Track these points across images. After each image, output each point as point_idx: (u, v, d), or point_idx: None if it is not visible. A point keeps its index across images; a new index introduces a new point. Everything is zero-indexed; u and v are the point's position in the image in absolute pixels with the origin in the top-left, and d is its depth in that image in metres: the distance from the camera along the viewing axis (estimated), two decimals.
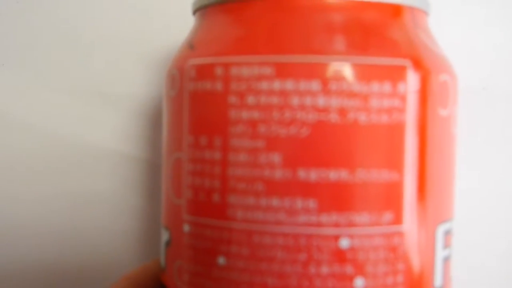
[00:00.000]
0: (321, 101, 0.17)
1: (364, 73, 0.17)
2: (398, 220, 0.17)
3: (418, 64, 0.17)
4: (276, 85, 0.17)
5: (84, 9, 0.29)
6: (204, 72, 0.18)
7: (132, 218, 0.29)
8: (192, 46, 0.19)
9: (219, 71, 0.18)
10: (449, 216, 0.19)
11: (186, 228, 0.18)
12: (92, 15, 0.29)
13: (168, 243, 0.20)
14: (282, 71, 0.17)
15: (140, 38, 0.28)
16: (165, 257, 0.20)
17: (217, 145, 0.18)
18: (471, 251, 0.27)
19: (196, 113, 0.18)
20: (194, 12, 0.21)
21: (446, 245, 0.19)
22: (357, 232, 0.17)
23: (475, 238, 0.27)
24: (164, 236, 0.20)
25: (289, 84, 0.17)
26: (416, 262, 0.18)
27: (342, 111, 0.17)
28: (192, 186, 0.18)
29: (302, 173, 0.17)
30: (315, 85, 0.17)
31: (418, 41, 0.18)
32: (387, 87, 0.17)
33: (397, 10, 0.18)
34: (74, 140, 0.29)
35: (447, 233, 0.19)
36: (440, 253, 0.19)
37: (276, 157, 0.17)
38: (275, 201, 0.17)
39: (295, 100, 0.17)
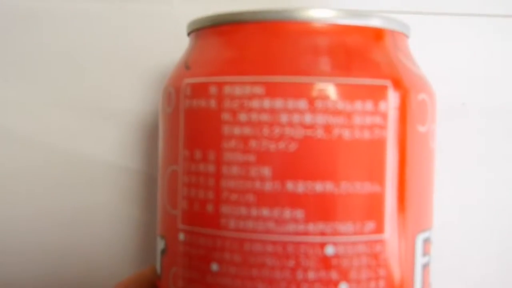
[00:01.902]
0: (308, 118, 0.18)
1: (348, 93, 0.18)
2: (379, 229, 0.19)
3: (398, 84, 0.19)
4: (266, 103, 0.18)
5: (83, 27, 0.30)
6: (199, 90, 0.19)
7: (129, 228, 0.30)
8: (187, 66, 0.20)
9: (213, 90, 0.19)
10: (428, 225, 0.21)
11: (181, 236, 0.20)
12: (91, 33, 0.30)
13: (164, 251, 0.21)
14: (272, 90, 0.18)
15: (137, 56, 0.29)
16: (161, 265, 0.21)
17: (211, 158, 0.19)
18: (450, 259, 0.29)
19: (191, 129, 0.19)
20: (189, 33, 0.22)
21: (425, 252, 0.20)
22: (342, 240, 0.18)
23: (453, 246, 0.29)
24: (160, 244, 0.21)
25: (278, 103, 0.18)
26: (397, 268, 0.19)
27: (327, 128, 0.18)
28: (187, 197, 0.19)
29: (290, 185, 0.18)
30: (302, 103, 0.18)
31: (398, 63, 0.20)
32: (369, 105, 0.18)
33: (379, 34, 0.20)
34: (72, 153, 0.30)
35: (426, 241, 0.20)
36: (419, 260, 0.20)
37: (266, 171, 0.18)
38: (265, 211, 0.18)
39: (284, 118, 0.18)
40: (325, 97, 0.18)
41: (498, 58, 0.29)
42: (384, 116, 0.19)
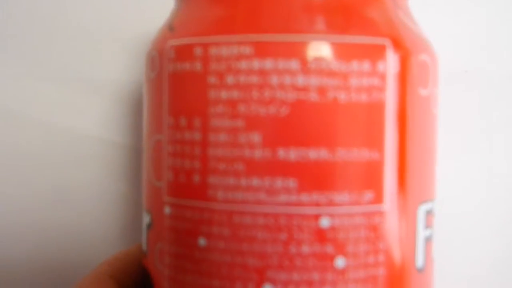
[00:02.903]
0: (300, 80, 0.17)
1: (344, 52, 0.17)
2: (378, 199, 0.17)
3: (397, 44, 0.17)
4: (255, 64, 0.17)
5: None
6: (183, 52, 0.18)
7: (116, 205, 0.29)
8: (172, 27, 0.19)
9: (198, 51, 0.17)
10: (430, 196, 0.19)
11: (167, 210, 0.18)
12: (71, 3, 0.29)
13: (149, 226, 0.19)
14: (261, 50, 0.17)
15: (120, 24, 0.28)
16: (147, 241, 0.20)
17: (197, 125, 0.17)
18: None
19: (176, 94, 0.18)
20: None
21: (428, 225, 0.19)
22: (338, 211, 0.17)
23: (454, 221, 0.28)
24: (146, 219, 0.20)
25: (268, 63, 0.17)
26: (397, 241, 0.18)
27: (321, 90, 0.17)
28: (172, 167, 0.18)
29: (282, 153, 0.17)
30: (294, 64, 0.17)
31: (398, 21, 0.18)
32: (366, 66, 0.17)
33: None
34: (54, 128, 0.29)
35: (429, 213, 0.19)
36: (421, 233, 0.19)
37: (256, 137, 0.17)
38: (255, 181, 0.17)
39: (274, 79, 0.17)
40: (318, 57, 0.17)
41: (502, 24, 0.28)
42: (383, 77, 0.17)
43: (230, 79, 0.17)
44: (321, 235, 0.17)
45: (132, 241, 0.28)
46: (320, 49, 0.17)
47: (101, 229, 0.28)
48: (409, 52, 0.18)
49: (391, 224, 0.17)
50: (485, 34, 0.28)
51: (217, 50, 0.17)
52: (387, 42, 0.17)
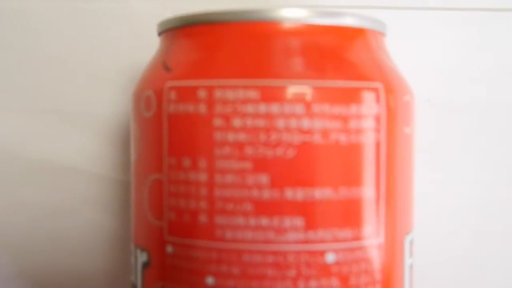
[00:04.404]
0: (305, 123, 0.17)
1: (344, 97, 0.18)
2: (377, 233, 0.18)
3: (388, 86, 0.19)
4: (262, 108, 0.17)
5: (47, 28, 0.28)
6: (186, 94, 0.18)
7: (91, 233, 0.29)
8: (167, 67, 0.19)
9: (202, 94, 0.18)
10: (412, 226, 0.21)
11: (169, 249, 0.19)
12: (49, 33, 0.28)
13: (146, 265, 0.19)
14: (268, 94, 0.17)
15: (96, 56, 0.28)
16: (143, 279, 0.20)
17: (202, 166, 0.18)
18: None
19: (178, 135, 0.18)
20: (161, 32, 0.21)
21: (411, 253, 0.20)
22: (341, 246, 0.18)
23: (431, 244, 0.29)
24: (141, 257, 0.20)
25: (274, 108, 0.17)
26: (391, 271, 0.19)
27: (324, 133, 0.18)
28: (175, 207, 0.18)
29: (289, 193, 0.17)
30: (299, 108, 0.17)
31: (384, 64, 0.20)
32: (364, 109, 0.18)
33: (363, 34, 0.19)
34: (36, 157, 0.29)
35: (411, 242, 0.20)
36: (407, 261, 0.20)
37: (263, 178, 0.17)
38: (264, 221, 0.17)
39: (280, 123, 0.17)
40: (321, 101, 0.18)
41: (462, 52, 0.29)
42: (378, 119, 0.18)
43: (236, 122, 0.18)
44: (327, 270, 0.18)
45: (106, 268, 0.28)
46: (323, 94, 0.18)
47: (77, 256, 0.29)
48: (396, 94, 0.19)
49: (387, 255, 0.19)
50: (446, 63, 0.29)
51: (223, 93, 0.18)
52: (379, 86, 0.18)
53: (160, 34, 0.21)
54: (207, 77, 0.18)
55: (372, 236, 0.18)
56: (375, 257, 0.18)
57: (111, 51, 0.28)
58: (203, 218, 0.18)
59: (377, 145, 0.18)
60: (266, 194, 0.17)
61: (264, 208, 0.18)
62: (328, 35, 0.19)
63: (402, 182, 0.19)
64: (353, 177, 0.18)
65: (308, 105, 0.17)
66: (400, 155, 0.19)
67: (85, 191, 0.29)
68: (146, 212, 0.19)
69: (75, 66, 0.28)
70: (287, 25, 0.18)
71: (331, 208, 0.18)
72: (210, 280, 0.18)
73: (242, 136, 0.18)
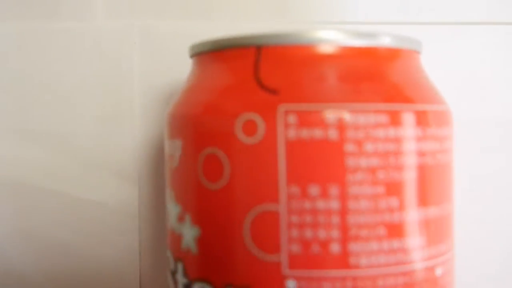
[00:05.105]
0: (423, 146, 0.18)
1: (441, 120, 0.19)
2: (451, 245, 0.20)
3: (448, 108, 0.20)
4: (391, 132, 0.17)
5: (12, 49, 0.28)
6: (309, 119, 0.17)
7: (58, 255, 0.28)
8: (273, 90, 0.18)
9: (331, 118, 0.17)
10: None
11: (290, 284, 0.17)
12: (19, 55, 0.28)
13: None
14: (395, 118, 0.18)
15: (60, 76, 0.27)
16: None
17: (334, 194, 0.17)
18: None
19: (300, 162, 0.17)
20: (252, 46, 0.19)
21: None
22: (443, 259, 0.19)
23: None
24: None
25: (401, 131, 0.18)
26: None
27: (433, 154, 0.18)
28: (299, 239, 0.17)
29: (414, 214, 0.18)
30: (419, 131, 0.18)
31: (434, 85, 0.21)
32: (448, 130, 0.19)
33: (415, 57, 0.21)
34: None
35: None
36: None
37: (394, 201, 0.18)
38: (395, 243, 0.18)
39: (406, 146, 0.18)
40: (430, 124, 0.18)
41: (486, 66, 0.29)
42: (451, 138, 0.20)
43: (369, 147, 0.17)
44: (436, 284, 0.19)
45: None
46: (431, 117, 0.18)
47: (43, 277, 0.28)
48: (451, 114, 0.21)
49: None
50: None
51: (354, 118, 0.17)
52: (448, 107, 0.20)
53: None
54: (334, 101, 0.17)
55: (452, 247, 0.20)
56: (452, 267, 0.20)
57: (77, 70, 0.27)
58: (335, 247, 0.17)
59: (452, 163, 0.20)
60: (396, 217, 0.18)
61: (395, 231, 0.18)
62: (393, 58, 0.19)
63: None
64: (446, 194, 0.19)
65: (424, 129, 0.18)
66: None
67: (50, 211, 0.28)
68: (249, 247, 0.18)
69: (43, 85, 0.28)
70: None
71: (441, 224, 0.19)
72: None
73: (374, 161, 0.17)
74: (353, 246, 0.17)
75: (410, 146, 0.18)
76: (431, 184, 0.18)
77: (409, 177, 0.18)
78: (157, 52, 0.28)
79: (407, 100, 0.18)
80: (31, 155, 0.28)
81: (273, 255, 0.17)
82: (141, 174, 0.28)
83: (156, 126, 0.28)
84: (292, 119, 0.17)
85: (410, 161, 0.18)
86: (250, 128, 0.18)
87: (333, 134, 0.17)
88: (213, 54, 0.19)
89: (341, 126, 0.17)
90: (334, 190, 0.17)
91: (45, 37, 0.28)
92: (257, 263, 0.18)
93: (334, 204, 0.17)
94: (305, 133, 0.17)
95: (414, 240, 0.18)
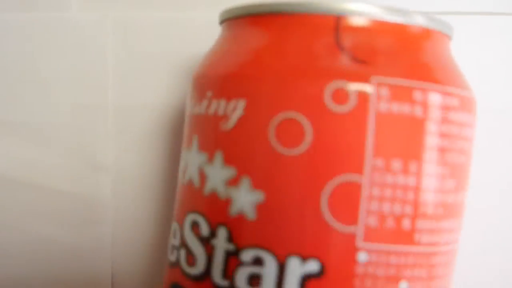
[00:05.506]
0: (466, 131, 0.19)
1: (469, 105, 0.20)
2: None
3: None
4: (460, 116, 0.18)
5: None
6: (401, 94, 0.17)
7: (31, 244, 0.27)
8: (359, 59, 0.17)
9: (418, 95, 0.17)
10: None
11: (362, 257, 0.17)
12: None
13: (317, 275, 0.17)
14: (465, 104, 0.18)
15: (39, 65, 0.27)
16: None
17: (413, 170, 0.17)
18: None
19: (388, 136, 0.17)
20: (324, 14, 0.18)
21: None
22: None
23: None
24: (310, 266, 0.17)
25: (466, 117, 0.18)
26: None
27: (470, 139, 0.19)
28: (377, 212, 0.17)
29: (463, 196, 0.19)
30: (473, 118, 0.19)
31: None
32: (474, 116, 0.20)
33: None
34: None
35: None
36: None
37: (452, 183, 0.18)
38: (447, 223, 0.18)
39: (467, 131, 0.18)
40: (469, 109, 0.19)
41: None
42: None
43: (444, 128, 0.18)
44: (454, 262, 0.20)
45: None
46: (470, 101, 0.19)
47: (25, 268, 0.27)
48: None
49: None
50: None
51: (436, 98, 0.17)
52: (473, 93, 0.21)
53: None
54: (419, 79, 0.17)
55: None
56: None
57: (52, 60, 0.27)
58: (406, 223, 0.17)
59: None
60: (451, 198, 0.18)
61: (449, 211, 0.18)
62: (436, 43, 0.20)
63: None
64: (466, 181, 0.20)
65: (473, 114, 0.19)
66: None
67: (30, 203, 0.27)
68: (325, 216, 0.17)
69: (18, 76, 0.27)
70: None
71: (463, 209, 0.20)
72: (403, 285, 0.18)
73: (446, 142, 0.18)
74: (420, 223, 0.18)
75: (467, 132, 0.19)
76: (468, 170, 0.20)
77: (463, 161, 0.19)
78: (132, 42, 0.27)
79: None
80: (5, 146, 0.27)
81: (350, 226, 0.17)
82: (116, 164, 0.27)
83: (130, 116, 0.27)
84: (384, 91, 0.17)
85: (462, 145, 0.19)
86: (340, 96, 0.17)
87: (418, 111, 0.17)
88: (285, 17, 0.18)
89: (424, 105, 0.17)
90: (413, 166, 0.17)
91: (20, 28, 0.27)
92: (331, 233, 0.17)
93: (411, 180, 0.17)
94: (395, 107, 0.17)
95: (458, 221, 0.19)
